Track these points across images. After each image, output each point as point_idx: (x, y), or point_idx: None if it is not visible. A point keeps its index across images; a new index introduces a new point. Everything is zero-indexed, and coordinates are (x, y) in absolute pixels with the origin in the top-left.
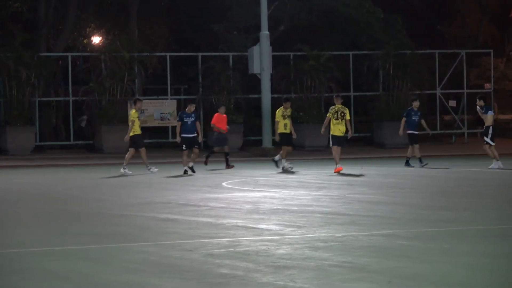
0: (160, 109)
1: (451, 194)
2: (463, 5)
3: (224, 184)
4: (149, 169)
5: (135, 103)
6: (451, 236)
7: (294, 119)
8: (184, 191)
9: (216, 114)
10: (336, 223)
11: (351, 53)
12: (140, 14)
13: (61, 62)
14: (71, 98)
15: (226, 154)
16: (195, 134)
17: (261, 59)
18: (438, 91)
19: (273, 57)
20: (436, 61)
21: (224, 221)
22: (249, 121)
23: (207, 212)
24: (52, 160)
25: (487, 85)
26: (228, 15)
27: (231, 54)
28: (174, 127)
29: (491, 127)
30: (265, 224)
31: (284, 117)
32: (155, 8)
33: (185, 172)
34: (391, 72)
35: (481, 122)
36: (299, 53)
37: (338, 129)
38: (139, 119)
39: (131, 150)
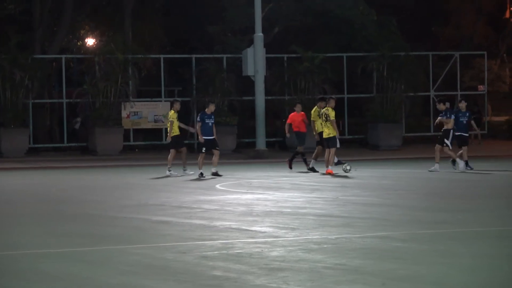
0: (154, 111)
1: (445, 196)
2: (458, 6)
3: (217, 186)
4: (184, 170)
5: (172, 104)
6: (446, 237)
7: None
8: (178, 193)
9: (292, 114)
10: (330, 225)
11: (345, 54)
12: (135, 15)
13: (55, 64)
14: (64, 100)
15: (302, 155)
16: (214, 136)
17: (255, 61)
18: (432, 93)
19: (267, 59)
20: (430, 63)
21: (218, 223)
22: (243, 123)
23: (200, 214)
24: (46, 162)
25: (480, 87)
26: (223, 17)
27: (225, 56)
28: (167, 129)
29: (451, 130)
30: (259, 226)
31: (320, 116)
32: (150, 9)
33: (201, 174)
34: (385, 73)
35: (474, 123)
36: (293, 55)
37: (323, 131)
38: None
39: (172, 151)
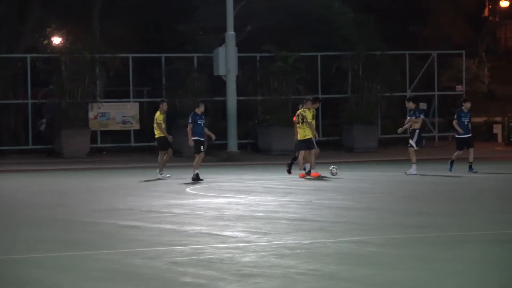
0: (122, 112)
1: (423, 199)
2: (437, 5)
3: (188, 190)
4: (160, 173)
5: (160, 104)
6: (424, 242)
7: (260, 122)
8: (147, 197)
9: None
10: (303, 230)
11: (319, 54)
12: (104, 14)
13: (21, 64)
14: (30, 101)
15: (294, 159)
16: (204, 138)
17: (226, 61)
18: (409, 93)
19: (240, 58)
20: (407, 62)
21: (188, 228)
22: (214, 124)
23: (170, 218)
24: (11, 165)
25: (458, 87)
26: (195, 16)
27: (195, 55)
28: (136, 131)
29: (418, 131)
30: (230, 231)
31: (313, 117)
32: (119, 8)
33: (198, 177)
34: (361, 73)
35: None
36: (266, 54)
37: (299, 133)
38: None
39: (169, 151)
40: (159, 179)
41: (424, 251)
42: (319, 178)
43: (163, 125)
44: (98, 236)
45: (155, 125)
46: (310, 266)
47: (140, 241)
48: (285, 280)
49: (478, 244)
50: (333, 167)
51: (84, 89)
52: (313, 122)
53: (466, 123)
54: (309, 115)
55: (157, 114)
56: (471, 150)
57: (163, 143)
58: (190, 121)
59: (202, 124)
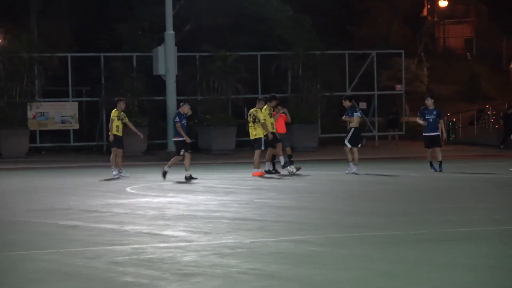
0: (62, 112)
1: (364, 199)
2: (374, 5)
3: (127, 189)
4: (112, 171)
5: (117, 102)
6: (363, 241)
7: (200, 122)
8: (86, 196)
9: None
10: (244, 229)
11: (259, 53)
12: (42, 13)
13: None
14: None
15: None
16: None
17: (166, 60)
18: (349, 93)
19: (179, 57)
20: (346, 62)
21: (128, 227)
22: (154, 124)
23: (110, 218)
24: None
25: (398, 87)
26: (134, 15)
27: (134, 54)
28: (75, 131)
29: (353, 129)
30: (171, 231)
31: (270, 115)
32: (57, 7)
33: (165, 174)
34: (300, 73)
35: (392, 124)
36: (205, 54)
37: (250, 132)
38: (119, 119)
39: (113, 150)
40: (112, 178)
41: (365, 250)
42: (262, 177)
43: (116, 122)
44: (37, 236)
45: (110, 122)
46: (251, 266)
47: (80, 241)
48: (226, 279)
49: (419, 243)
50: (291, 166)
51: (22, 89)
52: (272, 120)
53: (431, 120)
54: (261, 115)
55: (113, 111)
56: (438, 149)
57: (117, 141)
58: (177, 120)
59: (185, 124)
